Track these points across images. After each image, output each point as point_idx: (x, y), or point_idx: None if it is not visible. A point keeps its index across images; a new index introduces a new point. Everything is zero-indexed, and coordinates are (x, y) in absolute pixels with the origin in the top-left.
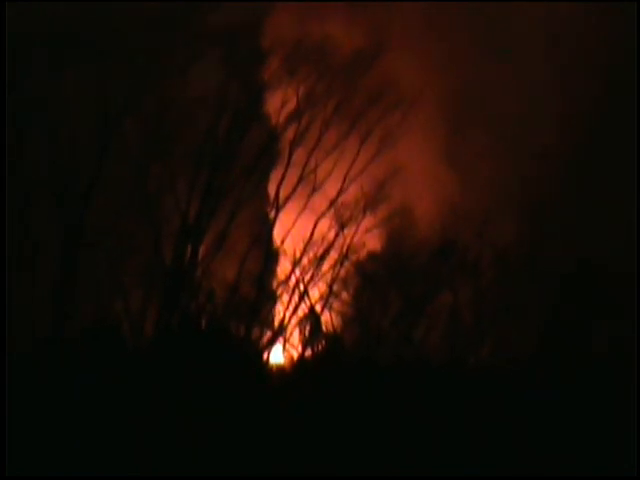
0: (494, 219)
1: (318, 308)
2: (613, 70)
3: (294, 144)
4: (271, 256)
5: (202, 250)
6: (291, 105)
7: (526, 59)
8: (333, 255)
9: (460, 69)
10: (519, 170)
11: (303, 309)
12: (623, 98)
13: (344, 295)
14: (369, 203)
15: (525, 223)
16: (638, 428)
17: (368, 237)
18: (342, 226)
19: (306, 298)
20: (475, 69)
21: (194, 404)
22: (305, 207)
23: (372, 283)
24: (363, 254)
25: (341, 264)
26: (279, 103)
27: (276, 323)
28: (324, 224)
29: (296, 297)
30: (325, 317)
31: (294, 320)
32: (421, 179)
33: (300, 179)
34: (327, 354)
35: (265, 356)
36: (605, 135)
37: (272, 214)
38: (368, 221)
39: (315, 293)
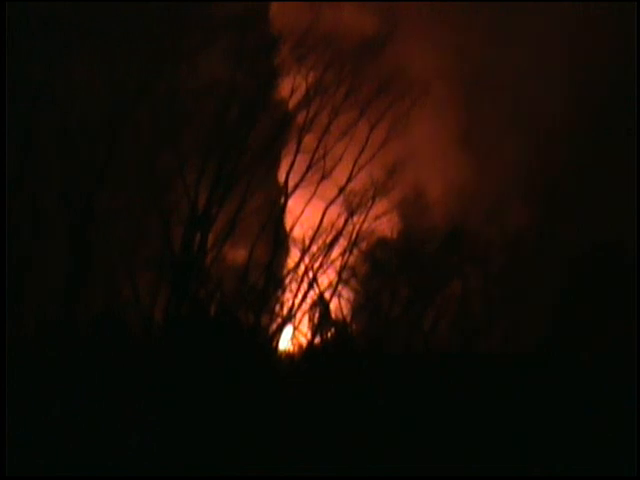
0: (506, 203)
1: (327, 295)
2: (629, 51)
3: (303, 131)
4: (280, 243)
5: (211, 237)
6: (301, 92)
7: (540, 40)
8: (342, 242)
9: (472, 52)
10: (532, 154)
11: (312, 296)
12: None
13: (353, 283)
14: (378, 190)
15: (537, 208)
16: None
17: (379, 223)
18: (351, 213)
19: (315, 285)
20: (487, 52)
21: (203, 391)
22: (314, 194)
23: (382, 270)
24: (372, 241)
25: (350, 251)
26: (289, 90)
27: (285, 310)
28: (333, 211)
29: (305, 284)
30: (334, 304)
31: (303, 307)
32: (432, 164)
33: (309, 166)
34: (336, 342)
35: (274, 343)
36: (619, 119)
37: (282, 201)
38: (378, 208)
39: (324, 280)
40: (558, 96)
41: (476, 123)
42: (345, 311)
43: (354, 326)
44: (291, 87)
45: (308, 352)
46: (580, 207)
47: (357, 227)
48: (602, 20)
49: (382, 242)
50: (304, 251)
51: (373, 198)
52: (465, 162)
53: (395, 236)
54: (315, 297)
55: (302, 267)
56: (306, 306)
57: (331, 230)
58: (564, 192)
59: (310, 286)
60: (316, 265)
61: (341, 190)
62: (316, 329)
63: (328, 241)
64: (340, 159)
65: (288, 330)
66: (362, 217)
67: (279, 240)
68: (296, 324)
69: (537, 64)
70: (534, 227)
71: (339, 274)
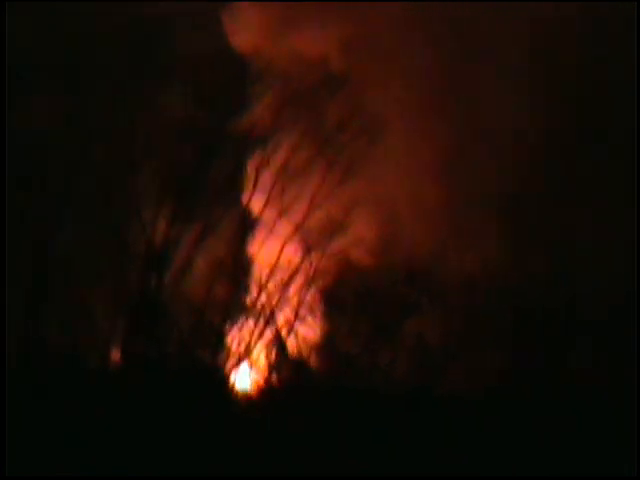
0: (468, 238)
1: (284, 333)
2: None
3: (260, 169)
4: (238, 281)
5: (168, 275)
6: (258, 129)
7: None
8: (299, 280)
9: (437, 82)
10: (499, 182)
11: (269, 335)
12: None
13: (310, 321)
14: (336, 228)
15: (502, 246)
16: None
17: (337, 260)
18: (308, 250)
19: (272, 323)
20: (452, 83)
21: (160, 432)
22: (271, 232)
23: (339, 308)
24: (330, 279)
25: (307, 289)
26: (247, 127)
27: (242, 349)
28: (291, 249)
29: (262, 322)
30: (291, 343)
31: (260, 346)
32: (394, 199)
33: (266, 203)
34: (293, 381)
35: (231, 382)
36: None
37: (239, 239)
38: (336, 245)
39: (281, 319)
40: (530, 126)
41: (441, 154)
42: (303, 349)
43: (312, 364)
44: (249, 124)
45: (265, 392)
46: (548, 246)
47: (314, 265)
48: (580, 37)
49: (340, 279)
50: (261, 288)
51: (330, 236)
52: (428, 196)
53: (353, 273)
54: (272, 335)
55: (259, 305)
56: (263, 344)
57: (288, 268)
58: (531, 227)
59: (267, 324)
60: (273, 302)
61: (297, 228)
62: (273, 368)
63: (285, 279)
64: (297, 197)
65: (245, 369)
66: (319, 255)
67: (237, 277)
68: (253, 363)
69: (508, 92)
70: (491, 266)
71: (296, 312)
